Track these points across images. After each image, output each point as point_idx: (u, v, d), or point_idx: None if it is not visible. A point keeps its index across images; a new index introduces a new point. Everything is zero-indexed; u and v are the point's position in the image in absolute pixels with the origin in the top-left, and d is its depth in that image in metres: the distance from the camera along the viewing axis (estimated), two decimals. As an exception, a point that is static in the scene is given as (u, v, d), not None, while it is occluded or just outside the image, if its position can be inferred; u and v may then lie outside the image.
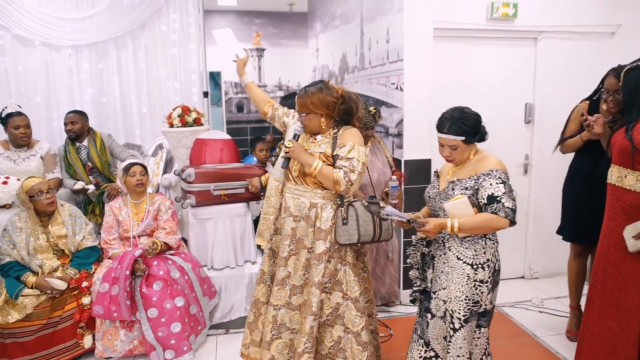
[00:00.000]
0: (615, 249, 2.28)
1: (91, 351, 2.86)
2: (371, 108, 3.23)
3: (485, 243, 2.00)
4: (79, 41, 4.47)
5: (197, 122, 3.75)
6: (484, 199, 1.92)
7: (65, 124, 3.67)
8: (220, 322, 3.26)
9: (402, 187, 3.40)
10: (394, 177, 3.21)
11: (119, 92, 4.68)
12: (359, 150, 2.18)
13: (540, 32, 3.70)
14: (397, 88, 3.54)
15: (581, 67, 3.70)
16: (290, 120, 2.64)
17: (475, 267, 1.98)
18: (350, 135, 2.23)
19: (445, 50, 3.52)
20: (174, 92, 4.77)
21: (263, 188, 3.23)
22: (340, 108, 2.26)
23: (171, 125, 3.72)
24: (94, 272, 2.89)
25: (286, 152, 2.25)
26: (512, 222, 1.90)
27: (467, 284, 1.97)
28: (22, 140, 3.41)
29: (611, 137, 2.35)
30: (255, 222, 4.02)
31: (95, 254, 3.01)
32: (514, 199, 1.91)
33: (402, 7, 3.33)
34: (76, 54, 4.53)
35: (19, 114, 3.39)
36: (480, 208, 1.94)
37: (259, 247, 3.65)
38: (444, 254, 2.05)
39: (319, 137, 2.30)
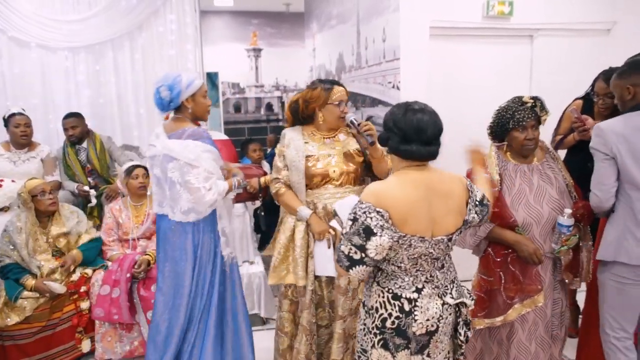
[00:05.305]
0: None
1: (91, 353, 2.86)
2: (526, 98, 2.14)
3: (372, 286, 1.59)
4: (75, 43, 4.46)
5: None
6: None
7: (66, 129, 3.63)
8: (220, 323, 3.25)
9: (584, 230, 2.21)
10: (567, 211, 2.05)
11: (116, 93, 4.66)
12: None
13: (536, 29, 3.71)
14: (393, 87, 3.54)
15: (577, 64, 3.70)
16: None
17: (365, 307, 1.63)
18: None
19: (441, 48, 3.52)
20: (171, 93, 4.76)
21: (262, 189, 3.22)
22: None
23: (169, 127, 3.71)
24: (91, 277, 2.89)
25: (368, 130, 2.10)
26: (346, 270, 1.47)
27: (359, 324, 1.67)
28: (21, 138, 3.43)
29: None
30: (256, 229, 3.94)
31: (98, 244, 3.03)
32: (355, 245, 1.44)
33: (398, 7, 3.34)
34: (73, 56, 4.51)
35: (21, 114, 3.48)
36: None
37: (259, 249, 3.64)
38: None
39: (341, 136, 2.30)
